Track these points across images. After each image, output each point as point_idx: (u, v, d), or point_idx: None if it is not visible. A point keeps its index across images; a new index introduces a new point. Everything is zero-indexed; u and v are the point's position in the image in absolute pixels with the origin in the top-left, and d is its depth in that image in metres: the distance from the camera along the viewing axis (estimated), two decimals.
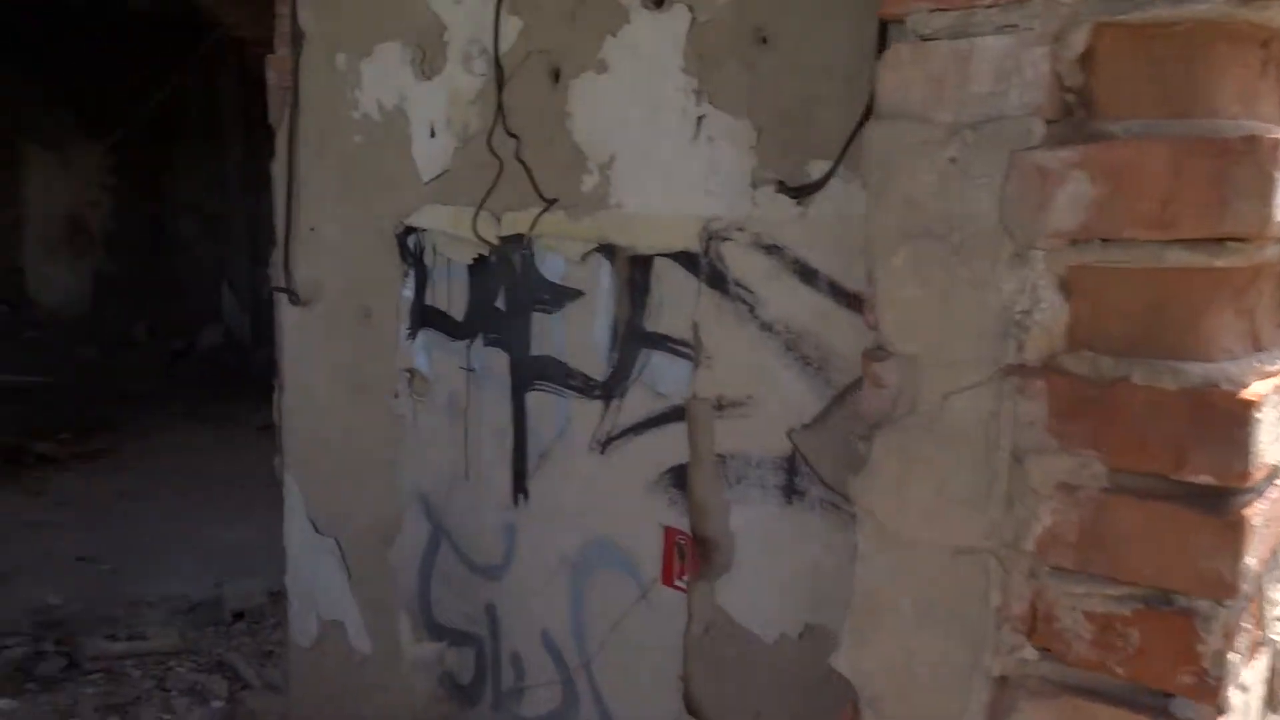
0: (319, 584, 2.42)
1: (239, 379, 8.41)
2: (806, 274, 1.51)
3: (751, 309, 1.58)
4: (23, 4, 7.85)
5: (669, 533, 1.72)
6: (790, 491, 1.56)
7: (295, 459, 2.44)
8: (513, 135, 1.87)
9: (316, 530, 2.40)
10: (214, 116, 9.14)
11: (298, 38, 2.29)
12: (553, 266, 1.85)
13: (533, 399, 1.92)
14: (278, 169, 2.35)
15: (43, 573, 4.15)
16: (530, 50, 1.85)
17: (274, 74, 2.38)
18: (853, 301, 1.44)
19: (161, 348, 9.22)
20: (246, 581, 4.14)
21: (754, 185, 1.56)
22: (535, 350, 1.91)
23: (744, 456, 1.61)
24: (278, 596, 4.21)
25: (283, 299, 2.35)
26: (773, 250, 1.55)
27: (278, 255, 2.36)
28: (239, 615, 3.84)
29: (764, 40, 1.53)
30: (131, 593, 4.04)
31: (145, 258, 10.17)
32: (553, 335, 1.88)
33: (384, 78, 2.10)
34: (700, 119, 1.62)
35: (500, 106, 1.88)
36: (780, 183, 1.53)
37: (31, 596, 3.90)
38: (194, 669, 3.43)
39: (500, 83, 1.88)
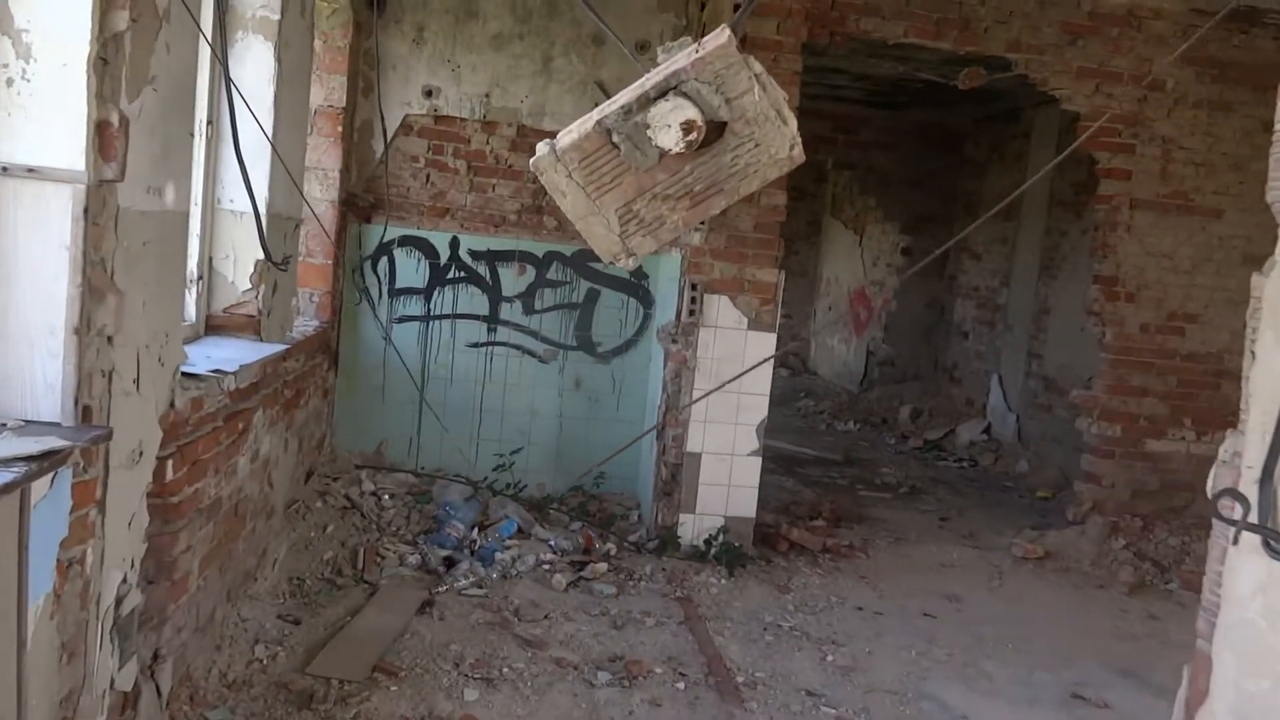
0: None
1: (997, 487, 7.45)
2: None
3: None
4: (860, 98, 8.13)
5: None
6: None
7: None
8: None
9: None
10: (1017, 197, 8.40)
11: None
12: None
13: None
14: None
15: (772, 699, 3.67)
16: None
17: None
18: None
19: (920, 435, 8.77)
20: None
21: None
22: None
23: None
24: None
25: (1248, 544, 1.21)
26: None
27: (1249, 456, 1.23)
28: None
29: None
30: None
31: (919, 340, 9.92)
32: None
33: None
34: None
35: None
36: None
37: None
38: None
39: None
